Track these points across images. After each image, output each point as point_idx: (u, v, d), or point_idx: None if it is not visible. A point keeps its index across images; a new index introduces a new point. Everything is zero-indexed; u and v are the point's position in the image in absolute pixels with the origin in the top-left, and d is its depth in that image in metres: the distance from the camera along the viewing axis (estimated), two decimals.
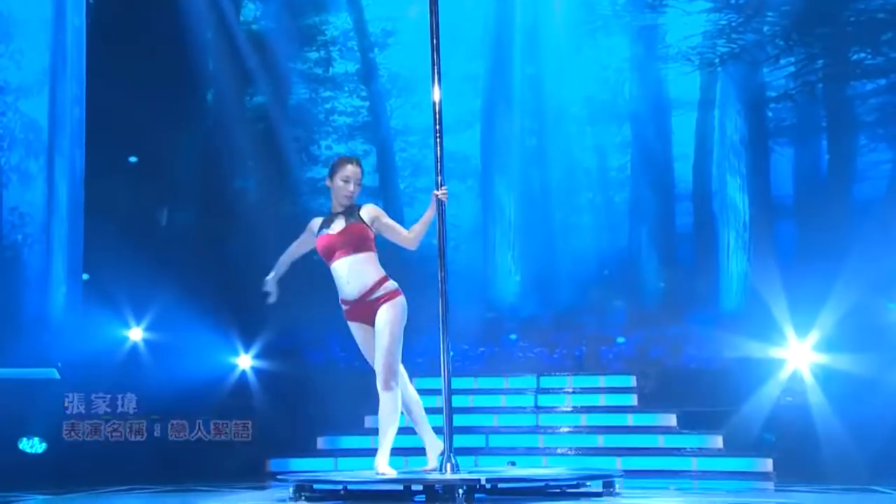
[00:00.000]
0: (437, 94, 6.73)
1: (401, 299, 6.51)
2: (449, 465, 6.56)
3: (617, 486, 6.59)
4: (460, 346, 12.73)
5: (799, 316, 11.35)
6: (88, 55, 11.92)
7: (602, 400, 10.23)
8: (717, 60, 12.85)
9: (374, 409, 10.65)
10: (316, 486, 6.54)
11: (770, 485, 8.69)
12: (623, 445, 9.52)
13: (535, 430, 9.93)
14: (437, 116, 6.67)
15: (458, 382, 10.84)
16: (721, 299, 12.61)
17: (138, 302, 10.93)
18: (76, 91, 11.97)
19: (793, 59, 12.52)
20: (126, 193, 11.56)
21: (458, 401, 10.45)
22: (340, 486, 6.59)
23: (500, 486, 6.58)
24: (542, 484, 6.69)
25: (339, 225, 6.54)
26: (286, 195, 13.17)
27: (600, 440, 9.62)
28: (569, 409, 10.16)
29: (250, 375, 10.83)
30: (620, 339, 12.39)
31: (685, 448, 9.47)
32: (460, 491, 6.05)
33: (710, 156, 12.88)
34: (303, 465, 9.41)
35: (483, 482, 6.13)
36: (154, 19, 11.68)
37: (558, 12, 13.05)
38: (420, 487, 6.51)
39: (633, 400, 10.29)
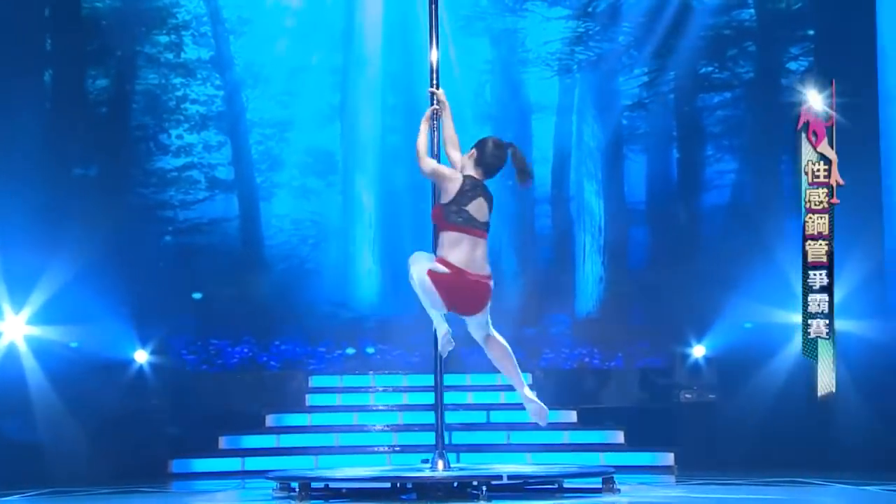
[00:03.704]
0: (434, 56, 7.21)
1: None
2: (441, 462, 6.36)
3: (616, 482, 6.57)
4: (316, 349, 12.38)
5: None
6: None
7: (502, 397, 10.17)
8: (574, 67, 13.11)
9: (274, 409, 10.30)
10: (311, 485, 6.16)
11: (672, 478, 8.93)
12: (532, 442, 9.55)
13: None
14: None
15: (356, 380, 10.68)
16: (577, 301, 12.84)
17: None
18: None
19: (646, 70, 12.97)
20: None
21: (357, 399, 10.28)
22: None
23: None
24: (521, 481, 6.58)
25: None
26: (132, 185, 12.39)
27: (508, 437, 9.61)
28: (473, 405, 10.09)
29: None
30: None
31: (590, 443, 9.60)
32: (484, 488, 5.87)
33: (568, 160, 13.11)
34: (208, 466, 8.92)
35: (505, 478, 5.96)
36: None
37: (422, 9, 12.89)
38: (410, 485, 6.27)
39: None
